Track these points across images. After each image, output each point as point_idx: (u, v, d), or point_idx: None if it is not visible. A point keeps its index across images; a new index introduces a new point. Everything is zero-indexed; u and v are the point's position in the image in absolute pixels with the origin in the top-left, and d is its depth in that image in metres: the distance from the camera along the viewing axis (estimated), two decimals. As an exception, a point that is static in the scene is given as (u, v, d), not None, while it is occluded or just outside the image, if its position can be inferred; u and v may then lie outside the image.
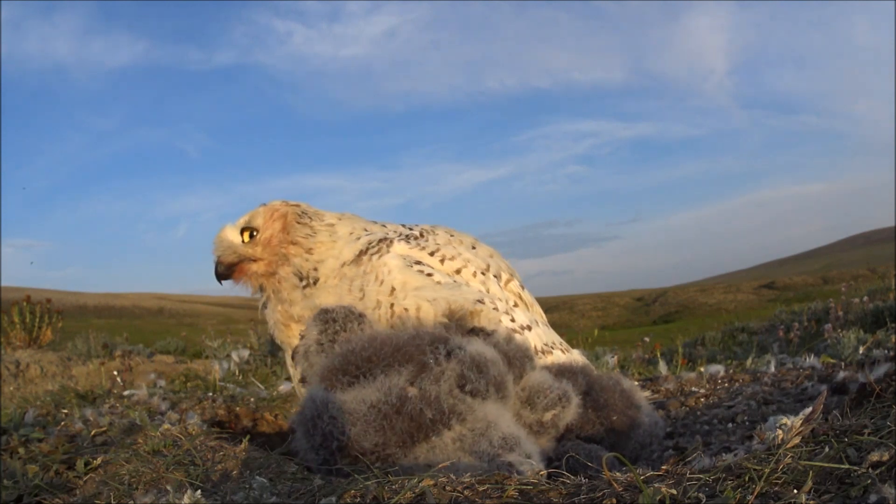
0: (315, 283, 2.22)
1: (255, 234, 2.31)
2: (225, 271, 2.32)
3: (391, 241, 2.25)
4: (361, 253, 2.22)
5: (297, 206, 2.39)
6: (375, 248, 2.22)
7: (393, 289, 2.11)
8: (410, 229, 2.38)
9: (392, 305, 2.08)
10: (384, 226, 2.40)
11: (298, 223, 2.30)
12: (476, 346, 1.63)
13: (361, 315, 1.91)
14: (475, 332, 1.94)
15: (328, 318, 1.87)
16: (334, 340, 1.82)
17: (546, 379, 1.77)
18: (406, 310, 2.06)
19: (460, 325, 1.93)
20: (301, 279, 2.23)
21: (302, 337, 1.94)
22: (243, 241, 2.31)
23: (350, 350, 1.67)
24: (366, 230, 2.33)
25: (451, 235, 2.38)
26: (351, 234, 2.30)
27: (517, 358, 1.74)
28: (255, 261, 2.30)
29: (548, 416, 1.69)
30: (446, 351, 1.60)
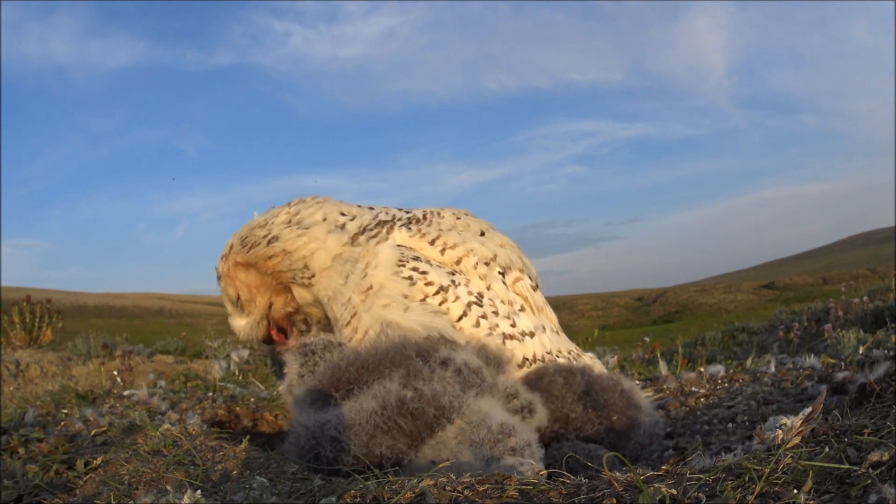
0: (312, 278, 2.07)
1: (239, 301, 2.12)
2: (272, 343, 2.19)
3: (392, 226, 2.05)
4: (356, 234, 2.04)
5: (244, 228, 2.10)
6: (373, 232, 2.03)
7: (370, 287, 1.94)
8: (408, 214, 2.16)
9: (354, 315, 1.94)
10: (371, 208, 2.17)
11: (253, 249, 2.05)
12: (463, 355, 1.68)
13: (340, 345, 1.93)
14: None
15: (307, 351, 1.89)
16: (314, 372, 1.84)
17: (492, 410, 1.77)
18: (366, 332, 1.92)
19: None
20: (299, 279, 2.08)
21: (285, 374, 1.95)
22: (247, 317, 2.14)
23: (336, 367, 1.70)
24: (343, 213, 2.10)
25: (458, 219, 2.17)
26: (325, 220, 2.07)
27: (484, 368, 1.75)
28: (269, 319, 2.13)
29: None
30: (441, 360, 1.64)
